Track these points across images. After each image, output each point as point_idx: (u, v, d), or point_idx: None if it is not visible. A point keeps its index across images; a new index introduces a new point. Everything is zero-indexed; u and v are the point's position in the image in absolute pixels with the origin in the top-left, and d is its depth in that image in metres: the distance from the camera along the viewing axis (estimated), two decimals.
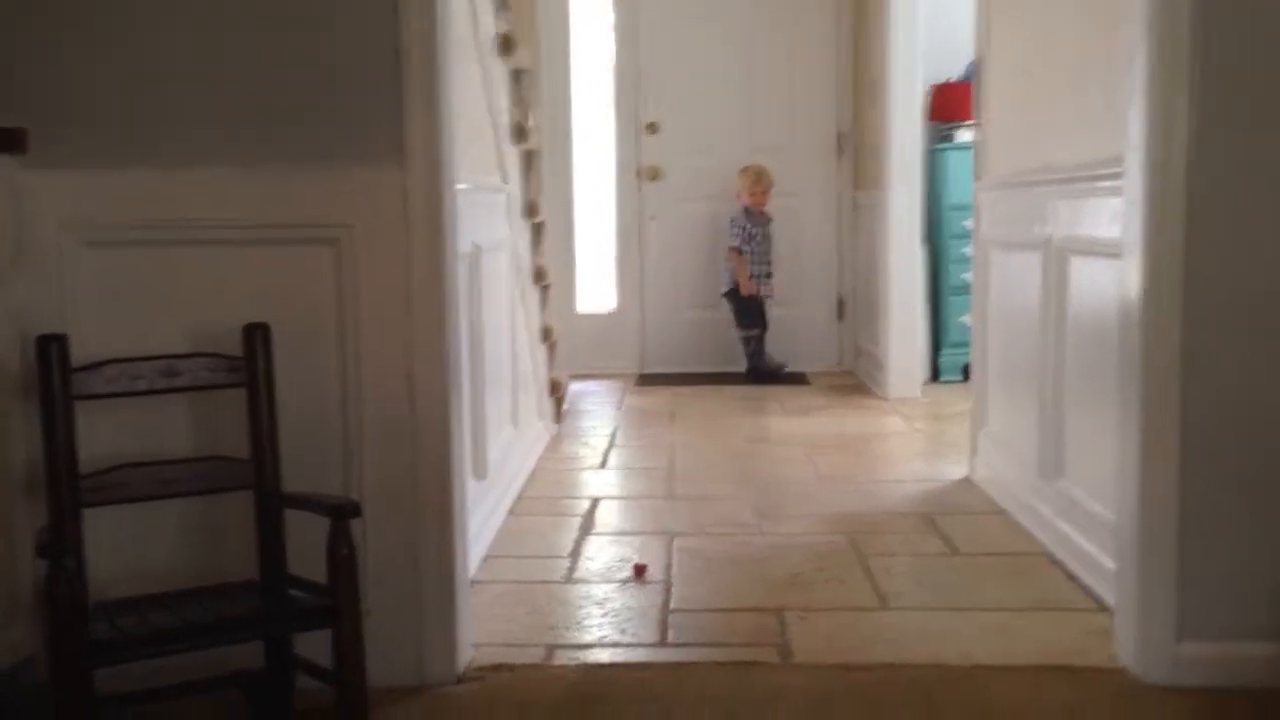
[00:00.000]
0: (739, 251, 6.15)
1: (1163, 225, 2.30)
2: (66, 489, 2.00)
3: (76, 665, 1.78)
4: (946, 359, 5.97)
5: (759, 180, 6.18)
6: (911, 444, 4.84)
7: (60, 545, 1.87)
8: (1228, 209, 2.28)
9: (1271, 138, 2.27)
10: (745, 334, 6.22)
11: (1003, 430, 3.77)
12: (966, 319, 5.63)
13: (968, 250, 5.19)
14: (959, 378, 5.75)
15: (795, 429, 5.06)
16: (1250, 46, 2.26)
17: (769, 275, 6.21)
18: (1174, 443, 2.32)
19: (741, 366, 6.24)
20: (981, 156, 4.04)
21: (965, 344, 5.65)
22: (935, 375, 5.98)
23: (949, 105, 5.93)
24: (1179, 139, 2.27)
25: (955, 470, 4.16)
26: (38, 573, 2.14)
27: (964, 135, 5.71)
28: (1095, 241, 2.85)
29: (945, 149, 5.95)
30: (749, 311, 6.19)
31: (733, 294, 6.21)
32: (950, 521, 3.56)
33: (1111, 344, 2.60)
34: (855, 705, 2.30)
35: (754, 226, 6.17)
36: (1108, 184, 2.66)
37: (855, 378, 6.29)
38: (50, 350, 2.00)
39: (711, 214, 6.38)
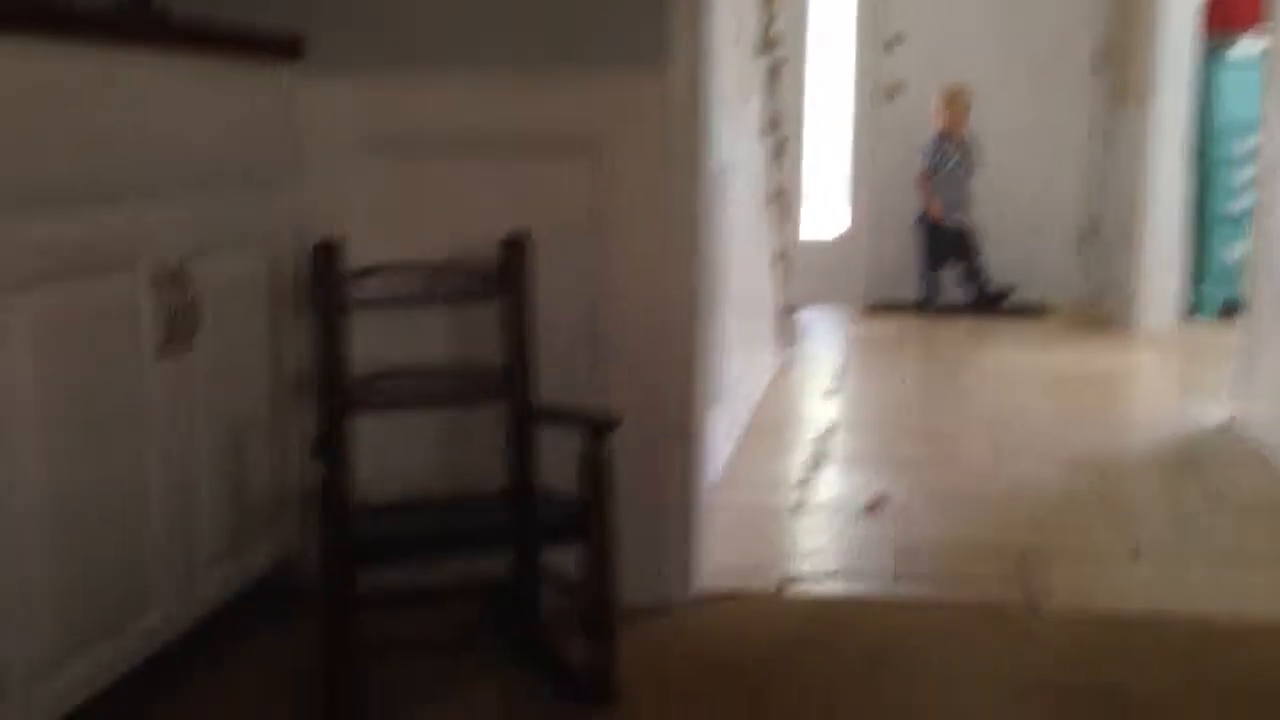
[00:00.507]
0: (927, 178, 5.91)
1: None
2: (338, 393, 2.06)
3: (345, 563, 1.85)
4: (1206, 294, 5.56)
5: (955, 101, 5.86)
6: (1165, 383, 4.55)
7: (334, 448, 1.94)
8: None
9: None
10: (939, 271, 5.97)
11: (1275, 370, 3.48)
12: (1232, 252, 5.24)
13: (1239, 177, 4.82)
14: (1218, 315, 5.37)
15: (1033, 363, 4.84)
16: None
17: (963, 203, 5.90)
18: None
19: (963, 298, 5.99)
20: (1274, 66, 3.68)
21: (1229, 279, 5.27)
22: (1192, 311, 5.59)
23: (1230, 13, 5.43)
24: None
25: (1216, 413, 3.89)
26: (305, 474, 2.24)
27: (1244, 49, 5.24)
28: None
29: (1220, 64, 5.47)
30: (943, 242, 5.92)
31: (922, 221, 5.96)
32: (1209, 468, 3.33)
33: None
34: (1109, 658, 2.18)
35: (947, 153, 5.88)
36: None
37: (1100, 310, 5.95)
38: (326, 256, 2.06)
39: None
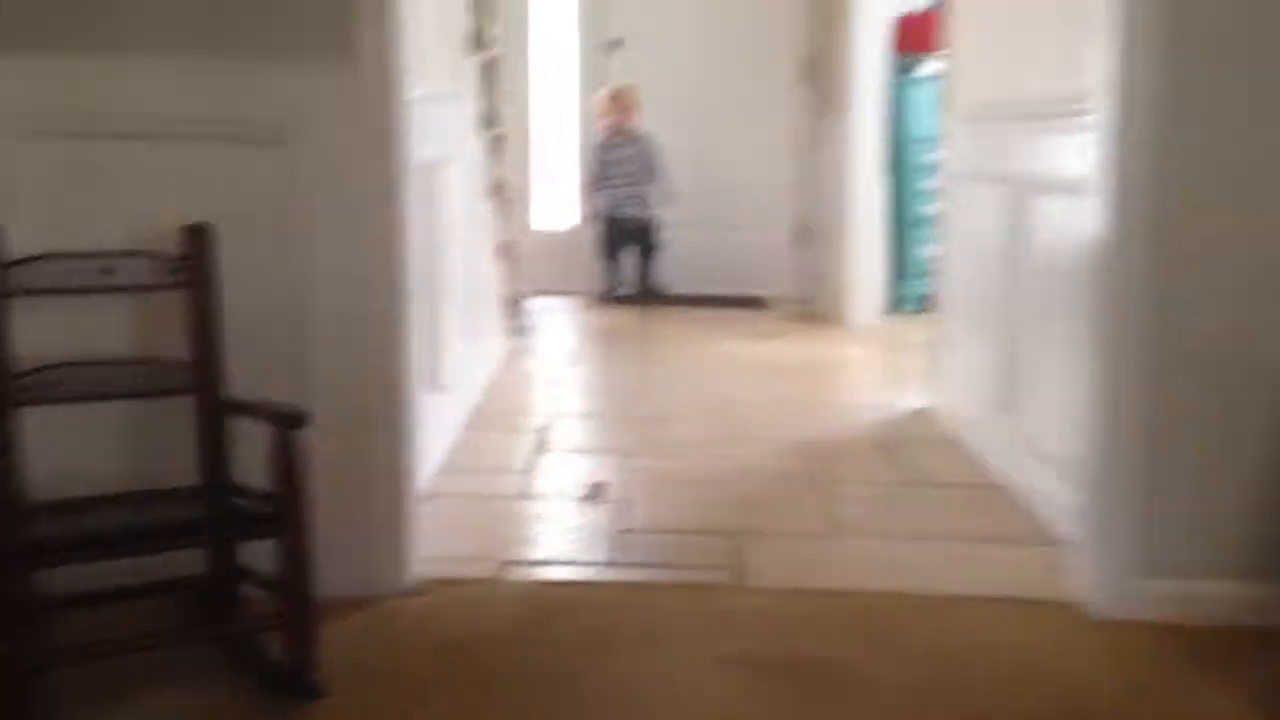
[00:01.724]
0: (586, 184, 6.18)
1: (1132, 161, 2.25)
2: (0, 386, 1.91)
3: (15, 565, 1.72)
4: (906, 290, 5.94)
5: (620, 99, 6.09)
6: (869, 372, 4.83)
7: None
8: (1198, 144, 2.23)
9: (1240, 73, 2.22)
10: (615, 261, 6.19)
11: (962, 362, 3.76)
12: (925, 251, 5.61)
13: (928, 184, 5.14)
14: (916, 309, 5.74)
15: (753, 353, 5.03)
16: None
17: (635, 196, 6.11)
18: (1142, 381, 2.29)
19: (699, 290, 6.18)
20: (951, 88, 3.97)
21: (923, 275, 5.64)
22: (895, 306, 5.96)
23: (915, 37, 5.83)
24: (1147, 72, 2.21)
25: (914, 401, 4.15)
26: None
27: (928, 68, 5.63)
28: (1062, 178, 2.80)
29: (909, 82, 5.86)
30: (622, 233, 6.14)
31: (599, 214, 6.19)
32: (907, 451, 3.55)
33: (1076, 280, 2.57)
34: (810, 630, 2.28)
35: (607, 152, 6.11)
36: (1076, 120, 2.60)
37: (815, 305, 6.25)
38: None
39: (673, 135, 6.27)
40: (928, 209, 5.50)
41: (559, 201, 6.50)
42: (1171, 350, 2.28)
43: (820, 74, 6.24)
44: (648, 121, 6.25)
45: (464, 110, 4.03)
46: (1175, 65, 2.20)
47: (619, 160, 6.09)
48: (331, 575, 2.07)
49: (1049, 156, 2.92)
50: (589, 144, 6.20)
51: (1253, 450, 2.29)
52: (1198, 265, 2.26)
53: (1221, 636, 2.25)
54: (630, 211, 6.11)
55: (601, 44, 6.32)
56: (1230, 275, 2.26)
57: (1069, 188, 2.67)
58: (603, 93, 6.09)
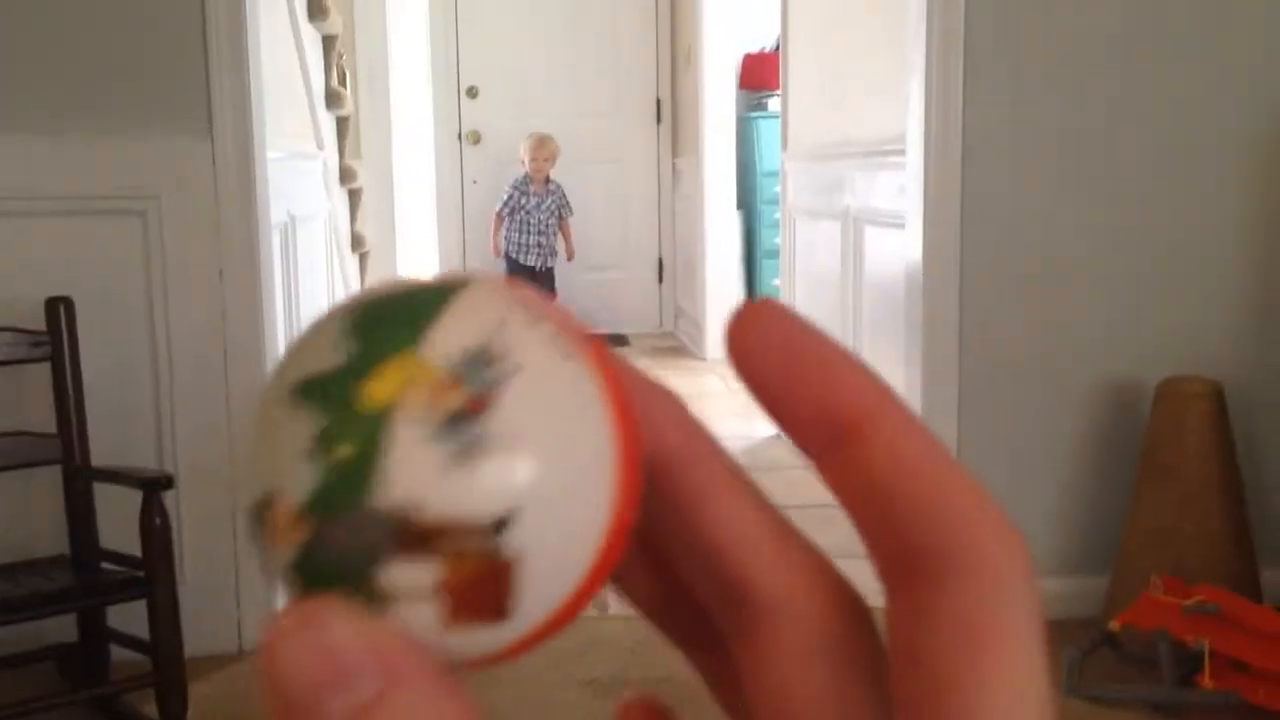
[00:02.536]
0: (499, 216, 6.18)
1: (940, 197, 2.48)
2: None
3: None
4: None
5: (540, 148, 6.14)
6: (728, 403, 5.02)
7: None
8: (999, 179, 2.47)
9: (1038, 117, 2.47)
10: None
11: None
12: (778, 282, 5.85)
13: (779, 216, 5.38)
14: None
15: None
16: (1013, 28, 2.44)
17: (540, 245, 6.18)
18: (956, 393, 2.51)
19: None
20: (787, 127, 4.21)
21: None
22: None
23: (760, 74, 6.10)
24: (952, 115, 2.45)
25: (769, 428, 4.35)
26: None
27: (774, 104, 5.89)
28: (886, 212, 3.03)
29: (757, 117, 6.12)
30: (520, 277, 6.17)
31: (506, 257, 6.20)
32: (765, 476, 3.72)
33: (900, 304, 2.79)
34: (673, 652, 2.42)
35: (523, 197, 6.15)
36: (896, 159, 2.83)
37: (676, 339, 6.45)
38: None
39: None
40: (779, 241, 5.75)
41: (421, 252, 6.57)
42: (981, 365, 2.51)
43: (673, 114, 6.47)
44: (506, 168, 6.39)
45: (324, 167, 4.10)
46: (974, 110, 2.44)
47: (531, 209, 6.12)
48: (204, 634, 2.14)
49: (876, 192, 3.15)
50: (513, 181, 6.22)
51: (1058, 455, 2.52)
52: (1004, 288, 2.49)
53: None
54: (531, 261, 6.17)
55: (458, 91, 6.44)
56: (1035, 296, 2.50)
57: (893, 220, 2.90)
58: (529, 138, 6.11)
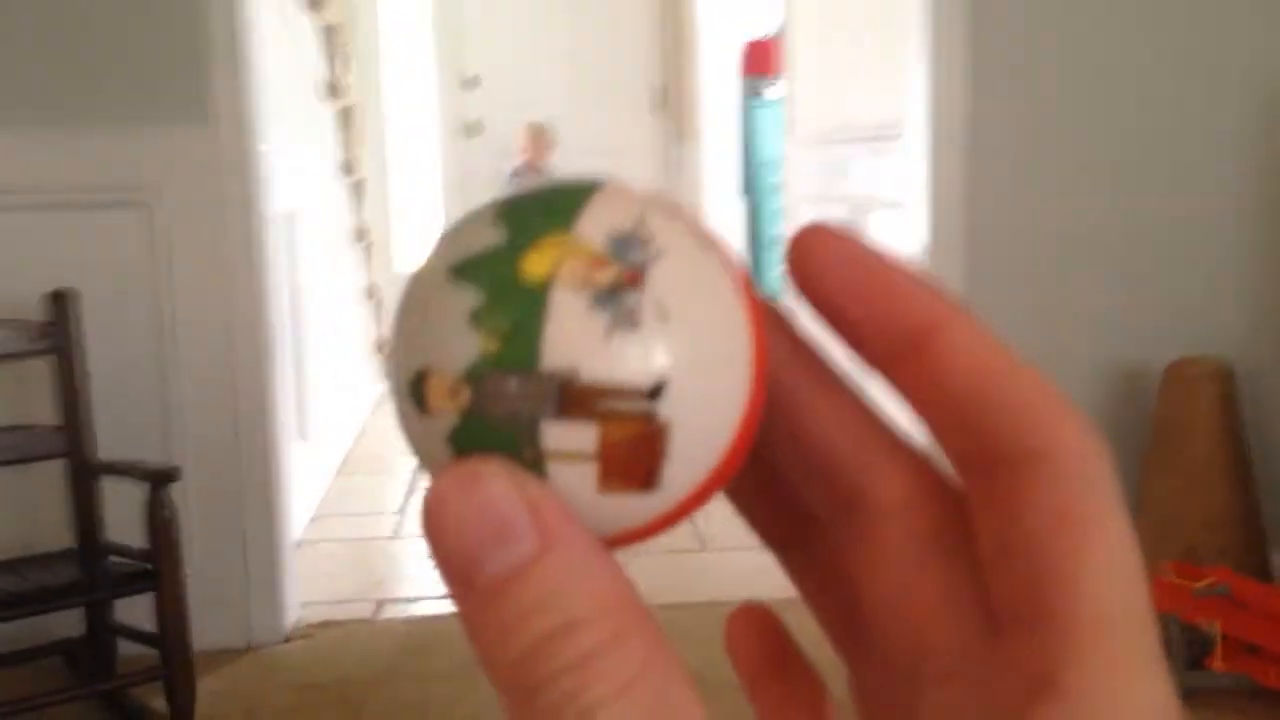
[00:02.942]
0: None
1: (945, 181, 2.47)
2: None
3: None
4: None
5: (538, 137, 6.17)
6: None
7: None
8: (1004, 161, 2.46)
9: (1044, 100, 2.45)
10: None
11: None
12: (781, 270, 5.83)
13: (780, 204, 5.36)
14: None
15: None
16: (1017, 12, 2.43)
17: None
18: None
19: None
20: (791, 113, 4.18)
21: (781, 294, 5.87)
22: None
23: (760, 61, 6.07)
24: (958, 99, 2.43)
25: None
26: None
27: (775, 91, 5.87)
28: (891, 197, 3.01)
29: (759, 105, 6.09)
30: None
31: None
32: None
33: None
34: (683, 644, 2.41)
35: (524, 184, 6.17)
36: (901, 143, 2.81)
37: None
38: None
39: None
40: (781, 229, 5.73)
41: (423, 244, 6.55)
42: None
43: (673, 102, 6.45)
44: (505, 157, 6.36)
45: (322, 158, 4.09)
46: (980, 94, 2.42)
47: None
48: (210, 627, 2.13)
49: (880, 177, 3.14)
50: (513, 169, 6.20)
51: None
52: (1010, 271, 2.48)
53: None
54: None
55: (459, 82, 6.42)
56: (1042, 280, 2.49)
57: (897, 204, 2.88)
58: (522, 127, 6.12)
